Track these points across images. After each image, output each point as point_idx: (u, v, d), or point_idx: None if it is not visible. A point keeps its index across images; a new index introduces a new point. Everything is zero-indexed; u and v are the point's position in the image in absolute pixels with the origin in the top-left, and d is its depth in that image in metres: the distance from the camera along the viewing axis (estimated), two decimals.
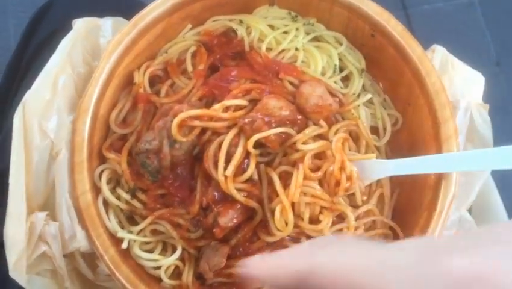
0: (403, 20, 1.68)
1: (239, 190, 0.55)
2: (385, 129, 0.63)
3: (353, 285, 0.27)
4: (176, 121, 0.54)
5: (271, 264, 0.33)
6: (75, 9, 0.75)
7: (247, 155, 0.56)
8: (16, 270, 0.51)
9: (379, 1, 0.62)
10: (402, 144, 0.63)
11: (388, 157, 0.63)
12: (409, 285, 0.24)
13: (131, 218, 0.59)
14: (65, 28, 0.71)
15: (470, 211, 0.62)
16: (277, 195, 0.55)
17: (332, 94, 0.61)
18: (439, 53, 0.64)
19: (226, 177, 0.54)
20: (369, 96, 0.62)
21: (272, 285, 0.33)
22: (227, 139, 0.55)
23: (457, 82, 0.63)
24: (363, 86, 0.64)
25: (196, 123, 0.56)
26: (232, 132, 0.56)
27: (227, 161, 0.55)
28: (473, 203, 0.61)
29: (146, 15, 0.58)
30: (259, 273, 0.33)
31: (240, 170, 0.56)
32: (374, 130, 0.63)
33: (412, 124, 0.62)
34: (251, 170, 0.56)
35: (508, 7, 1.67)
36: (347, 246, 0.30)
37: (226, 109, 0.57)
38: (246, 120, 0.56)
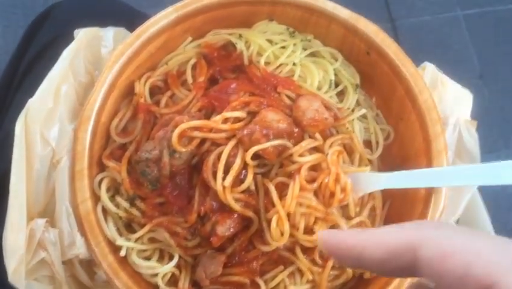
0: (391, 32, 1.72)
1: (236, 200, 0.57)
2: (377, 143, 0.65)
3: (468, 266, 0.24)
4: (176, 131, 0.56)
5: (364, 237, 0.29)
6: (74, 17, 0.76)
7: (244, 166, 0.58)
8: (15, 276, 0.52)
9: (367, 14, 0.64)
10: (394, 157, 0.65)
11: (380, 170, 0.65)
12: None
13: (128, 226, 0.60)
14: (65, 36, 0.72)
15: (456, 224, 0.64)
16: (274, 206, 0.56)
17: (328, 108, 0.62)
18: (429, 71, 0.67)
19: (224, 187, 0.56)
20: (363, 110, 0.64)
21: (359, 263, 0.29)
22: (227, 150, 0.57)
23: (446, 99, 0.66)
24: (357, 101, 0.66)
25: (196, 133, 0.57)
26: (231, 144, 0.57)
27: (226, 172, 0.56)
28: (460, 217, 0.64)
29: (149, 27, 0.60)
30: (347, 246, 0.29)
31: (238, 180, 0.58)
32: (367, 143, 0.66)
33: (403, 139, 0.64)
34: (249, 181, 0.57)
35: (492, 22, 1.72)
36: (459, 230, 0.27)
37: (225, 120, 0.58)
38: (245, 132, 0.57)
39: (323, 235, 0.31)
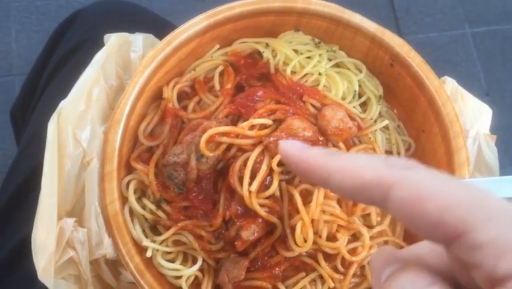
0: None
1: (261, 206, 0.57)
2: (399, 154, 0.66)
3: (441, 212, 0.23)
4: (205, 136, 0.57)
5: (333, 160, 0.28)
6: (99, 23, 0.78)
7: (270, 172, 0.59)
8: (45, 274, 0.53)
9: None
10: None
11: None
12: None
13: (154, 228, 0.61)
14: (91, 40, 0.74)
15: None
16: (298, 212, 0.57)
17: (351, 118, 0.64)
18: (449, 84, 0.68)
19: (250, 192, 0.57)
20: (386, 121, 0.65)
21: (336, 188, 0.28)
22: (253, 156, 0.58)
23: (466, 113, 0.67)
24: (379, 112, 0.67)
25: (224, 139, 0.58)
26: (258, 150, 0.58)
27: (252, 177, 0.57)
28: None
29: (180, 34, 0.61)
30: (320, 165, 0.28)
31: (263, 186, 0.59)
32: (389, 154, 0.67)
33: (424, 151, 0.65)
34: (274, 187, 0.58)
35: (499, 40, 1.75)
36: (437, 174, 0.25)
37: (252, 127, 0.60)
38: (271, 139, 0.59)
39: (285, 147, 0.30)
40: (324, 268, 0.59)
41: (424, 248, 0.29)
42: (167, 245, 0.60)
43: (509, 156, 1.63)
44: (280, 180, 0.60)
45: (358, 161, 0.27)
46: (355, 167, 0.27)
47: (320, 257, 0.59)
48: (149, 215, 0.59)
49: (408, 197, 0.24)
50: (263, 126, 0.60)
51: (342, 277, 0.60)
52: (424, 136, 0.65)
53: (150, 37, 0.67)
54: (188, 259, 0.61)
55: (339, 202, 0.60)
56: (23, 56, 1.61)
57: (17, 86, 1.55)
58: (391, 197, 0.25)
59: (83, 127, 0.57)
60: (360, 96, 0.67)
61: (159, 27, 0.72)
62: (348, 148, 0.62)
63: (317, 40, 0.68)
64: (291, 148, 0.30)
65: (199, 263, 0.59)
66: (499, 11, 1.78)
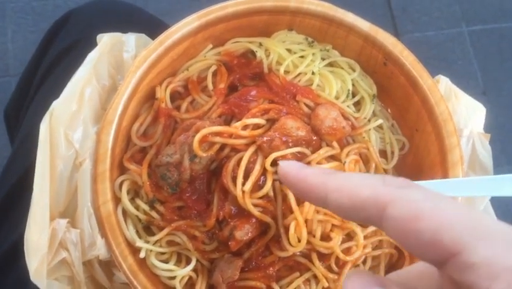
0: None
1: (255, 205, 0.57)
2: (393, 153, 0.66)
3: (436, 232, 0.23)
4: (198, 136, 0.57)
5: (330, 180, 0.28)
6: (93, 22, 0.78)
7: (263, 172, 0.59)
8: (37, 275, 0.52)
9: None
10: (408, 168, 0.66)
11: None
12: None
13: (147, 229, 0.61)
14: (85, 40, 0.74)
15: None
16: (292, 212, 0.57)
17: (345, 118, 0.64)
18: (443, 83, 0.68)
19: (243, 192, 0.56)
20: (380, 121, 0.65)
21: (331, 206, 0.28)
22: (246, 156, 0.58)
23: (460, 112, 0.67)
24: (373, 111, 0.67)
25: (217, 139, 0.58)
26: (251, 150, 0.58)
27: (245, 177, 0.57)
28: None
29: (172, 34, 0.61)
30: (315, 184, 0.28)
31: (256, 186, 0.58)
32: (383, 153, 0.67)
33: (418, 150, 0.65)
34: (268, 187, 0.58)
35: (496, 39, 1.75)
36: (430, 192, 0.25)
37: (245, 127, 0.59)
38: (265, 139, 0.58)
39: (283, 167, 0.31)
40: (319, 267, 0.59)
41: (411, 273, 0.29)
42: (160, 246, 0.60)
43: (506, 155, 1.64)
44: (274, 180, 0.59)
45: (355, 179, 0.27)
46: (353, 185, 0.27)
47: (314, 257, 0.59)
48: (142, 216, 0.59)
49: (403, 215, 0.24)
50: (256, 126, 0.60)
51: (336, 277, 0.60)
52: (418, 135, 0.65)
53: (143, 36, 0.67)
54: (182, 259, 0.61)
55: None
56: (19, 56, 1.61)
57: (13, 87, 1.55)
58: (386, 215, 0.25)
59: (75, 127, 0.57)
60: (354, 95, 0.67)
61: (154, 27, 0.72)
62: (342, 147, 0.62)
63: (310, 39, 0.68)
64: (289, 167, 0.30)
65: (193, 263, 0.59)
66: (495, 9, 1.78)
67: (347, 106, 0.65)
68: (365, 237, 0.61)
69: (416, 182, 0.49)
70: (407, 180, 0.26)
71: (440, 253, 0.23)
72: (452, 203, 0.24)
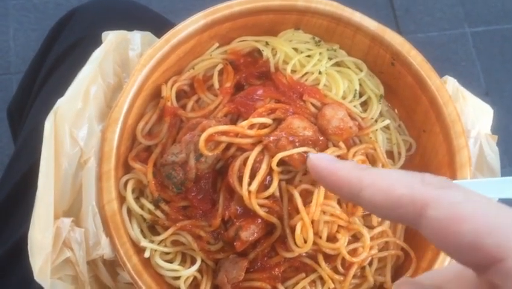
0: None
1: (261, 206, 0.57)
2: (399, 154, 0.66)
3: (479, 235, 0.22)
4: (204, 135, 0.56)
5: (365, 175, 0.27)
6: (98, 20, 0.77)
7: (270, 171, 0.58)
8: (41, 274, 0.52)
9: None
10: (415, 169, 0.66)
11: None
12: None
13: (152, 228, 0.60)
14: (89, 38, 0.73)
15: None
16: (298, 213, 0.57)
17: (352, 118, 0.63)
18: (450, 84, 0.68)
19: (249, 192, 0.56)
20: (387, 121, 0.65)
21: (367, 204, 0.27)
22: (253, 155, 0.57)
23: (467, 113, 0.67)
24: (380, 111, 0.67)
25: (223, 138, 0.57)
26: (257, 149, 0.58)
27: (251, 177, 0.57)
28: None
29: (178, 32, 0.60)
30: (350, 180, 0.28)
31: (262, 186, 0.58)
32: (389, 154, 0.66)
33: (425, 151, 0.65)
34: (274, 187, 0.57)
35: (499, 40, 1.74)
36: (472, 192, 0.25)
37: (251, 126, 0.59)
38: (271, 138, 0.58)
39: (313, 159, 0.30)
40: (325, 269, 0.58)
41: (446, 275, 0.28)
42: (165, 246, 0.59)
43: (509, 156, 1.63)
44: (280, 180, 0.59)
45: (392, 176, 0.26)
46: (389, 182, 0.26)
47: (320, 258, 0.59)
48: (147, 215, 0.59)
49: (444, 217, 0.23)
50: (263, 125, 0.60)
51: (342, 278, 0.59)
52: (425, 136, 0.64)
53: (149, 34, 0.66)
54: (186, 259, 0.60)
55: (339, 203, 0.59)
56: (21, 54, 1.61)
57: (15, 84, 1.55)
58: (426, 215, 0.24)
59: (80, 125, 0.56)
60: (361, 95, 0.67)
61: (158, 26, 0.71)
62: (348, 148, 0.62)
63: (317, 39, 0.67)
64: (321, 160, 0.30)
65: (198, 263, 0.58)
66: (498, 11, 1.77)
67: (354, 106, 0.65)
68: (372, 238, 0.60)
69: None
70: (447, 180, 0.25)
71: (482, 257, 0.22)
72: (495, 205, 0.23)
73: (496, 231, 0.22)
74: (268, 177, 0.58)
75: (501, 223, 0.22)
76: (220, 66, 0.64)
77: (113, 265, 0.58)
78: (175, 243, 0.59)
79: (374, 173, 0.27)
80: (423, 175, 0.26)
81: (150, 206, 0.59)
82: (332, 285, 0.59)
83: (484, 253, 0.22)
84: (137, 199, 0.60)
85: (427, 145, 0.64)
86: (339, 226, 0.59)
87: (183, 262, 0.60)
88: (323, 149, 0.60)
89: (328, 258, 0.59)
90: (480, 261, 0.23)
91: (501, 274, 0.22)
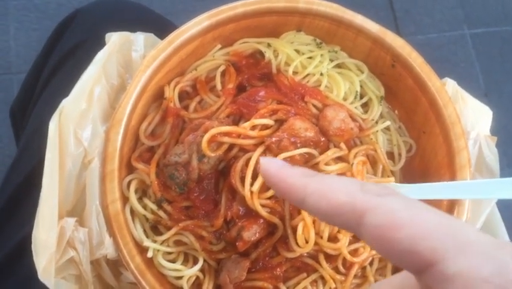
0: None
1: (263, 206, 0.57)
2: (400, 155, 0.66)
3: (414, 241, 0.23)
4: (207, 136, 0.57)
5: (309, 182, 0.28)
6: (100, 21, 0.78)
7: None
8: (45, 274, 0.52)
9: None
10: (415, 170, 0.66)
11: (401, 182, 0.66)
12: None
13: (154, 228, 0.61)
14: (92, 39, 0.74)
15: None
16: (299, 213, 0.57)
17: (353, 119, 0.64)
18: (450, 86, 0.68)
19: (252, 192, 0.57)
20: (388, 122, 0.65)
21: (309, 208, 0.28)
22: (255, 156, 0.58)
23: (466, 114, 0.67)
24: (381, 113, 0.67)
25: (225, 139, 0.58)
26: (259, 150, 0.58)
27: (253, 177, 0.57)
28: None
29: (181, 34, 0.61)
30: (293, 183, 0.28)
31: (264, 186, 0.58)
32: (390, 155, 0.67)
33: (425, 152, 0.65)
34: None
35: (498, 42, 1.75)
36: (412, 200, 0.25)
37: (254, 127, 0.59)
38: (273, 139, 0.58)
39: (264, 164, 0.31)
40: (326, 269, 0.59)
41: (393, 283, 0.29)
42: (168, 246, 0.59)
43: (508, 157, 1.64)
44: None
45: (334, 184, 0.27)
46: (331, 190, 0.27)
47: (322, 258, 0.59)
48: (150, 215, 0.59)
49: (381, 223, 0.24)
50: (265, 127, 0.60)
51: (343, 278, 0.60)
52: (425, 137, 0.65)
53: (152, 36, 0.66)
54: (189, 259, 0.61)
55: None
56: (21, 54, 1.61)
57: (15, 84, 1.55)
58: (364, 222, 0.25)
59: (84, 126, 0.57)
60: (362, 97, 0.67)
61: (161, 27, 0.72)
62: (349, 149, 0.62)
63: (318, 41, 0.68)
64: (270, 165, 0.30)
65: (200, 263, 0.59)
66: (497, 13, 1.78)
67: (355, 107, 0.65)
68: None
69: (431, 183, 0.48)
70: (388, 187, 0.26)
71: (417, 262, 0.23)
72: (432, 212, 0.24)
73: (430, 236, 0.23)
74: None
75: (436, 228, 0.23)
76: (222, 67, 0.65)
77: (116, 264, 0.59)
78: (178, 243, 0.60)
79: (318, 181, 0.28)
80: (364, 183, 0.27)
81: (153, 206, 0.59)
82: (334, 285, 0.59)
83: (419, 257, 0.23)
84: (140, 199, 0.60)
85: (427, 146, 0.65)
86: None
87: (185, 262, 0.60)
88: (324, 150, 0.61)
89: (329, 258, 0.60)
90: (417, 265, 0.23)
91: (434, 278, 0.22)
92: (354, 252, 0.60)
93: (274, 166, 0.30)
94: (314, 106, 0.63)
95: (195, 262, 0.60)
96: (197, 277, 0.60)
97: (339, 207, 0.26)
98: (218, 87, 0.64)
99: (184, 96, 0.65)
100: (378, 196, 0.25)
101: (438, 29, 1.75)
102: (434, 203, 0.61)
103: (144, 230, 0.60)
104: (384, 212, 0.24)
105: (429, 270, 0.23)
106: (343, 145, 0.62)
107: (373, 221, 0.24)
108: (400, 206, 0.24)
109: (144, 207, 0.60)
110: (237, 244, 0.58)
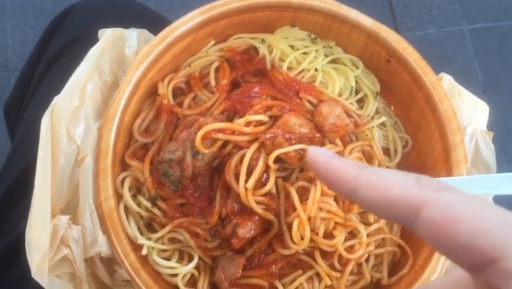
0: None
1: (258, 203, 0.57)
2: (395, 151, 0.66)
3: (473, 236, 0.22)
4: (200, 133, 0.56)
5: (361, 174, 0.28)
6: (94, 18, 0.77)
7: (266, 169, 0.58)
8: (39, 272, 0.52)
9: None
10: (411, 166, 0.66)
11: None
12: None
13: (149, 226, 0.60)
14: (85, 36, 0.73)
15: None
16: (294, 210, 0.57)
17: (348, 115, 0.63)
18: (446, 81, 0.68)
19: (246, 189, 0.56)
20: (383, 118, 0.65)
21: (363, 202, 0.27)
22: (249, 153, 0.57)
23: (463, 110, 0.67)
24: (376, 108, 0.67)
25: (219, 136, 0.57)
26: (254, 147, 0.58)
27: (248, 174, 0.57)
28: None
29: (174, 30, 0.60)
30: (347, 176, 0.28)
31: (259, 183, 0.58)
32: (385, 151, 0.66)
33: (421, 148, 0.65)
34: (271, 184, 0.57)
35: (497, 37, 1.74)
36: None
37: (248, 124, 0.59)
38: (268, 136, 0.58)
39: (312, 153, 0.30)
40: (322, 265, 0.59)
41: (446, 284, 0.28)
42: (162, 243, 0.59)
43: (506, 154, 1.63)
44: (276, 177, 0.59)
45: (388, 176, 0.27)
46: (385, 181, 0.26)
47: (317, 254, 0.59)
48: (144, 213, 0.59)
49: (439, 217, 0.23)
50: (259, 123, 0.60)
51: (339, 275, 0.59)
52: (421, 133, 0.65)
53: (145, 32, 0.66)
54: (184, 256, 0.60)
55: (336, 199, 0.59)
56: (18, 52, 1.60)
57: (12, 82, 1.54)
58: (421, 217, 0.24)
59: (77, 123, 0.57)
60: (357, 92, 0.67)
61: (155, 23, 0.71)
62: (345, 145, 0.62)
63: (313, 36, 0.67)
64: (320, 155, 0.30)
65: (195, 261, 0.59)
66: (496, 8, 1.77)
67: (350, 103, 0.65)
68: (369, 235, 0.61)
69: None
70: (442, 182, 0.26)
71: (476, 258, 0.22)
72: (492, 207, 0.23)
73: (490, 232, 0.22)
74: (265, 175, 0.59)
75: (496, 224, 0.23)
76: (216, 64, 0.64)
77: (111, 262, 0.58)
78: (172, 240, 0.60)
79: (371, 173, 0.27)
80: (419, 176, 0.26)
81: (147, 204, 0.59)
82: (329, 282, 0.59)
83: (479, 253, 0.22)
84: (134, 197, 0.60)
85: (423, 142, 0.64)
86: (336, 222, 0.59)
87: (180, 260, 0.60)
88: (319, 145, 0.60)
89: (325, 255, 0.59)
90: (476, 261, 0.23)
91: (497, 275, 0.22)
92: (350, 249, 0.60)
93: (323, 156, 0.30)
94: (309, 102, 0.63)
95: (190, 259, 0.59)
96: (192, 275, 0.59)
97: (393, 200, 0.25)
98: (212, 83, 0.63)
99: (177, 93, 0.65)
100: (435, 190, 0.25)
101: (436, 25, 1.75)
102: None
103: (139, 228, 0.59)
104: (442, 206, 0.24)
105: (490, 266, 0.22)
106: (338, 141, 0.62)
107: (430, 215, 0.24)
108: (459, 201, 0.24)
109: (139, 204, 0.59)
110: (232, 241, 0.57)
